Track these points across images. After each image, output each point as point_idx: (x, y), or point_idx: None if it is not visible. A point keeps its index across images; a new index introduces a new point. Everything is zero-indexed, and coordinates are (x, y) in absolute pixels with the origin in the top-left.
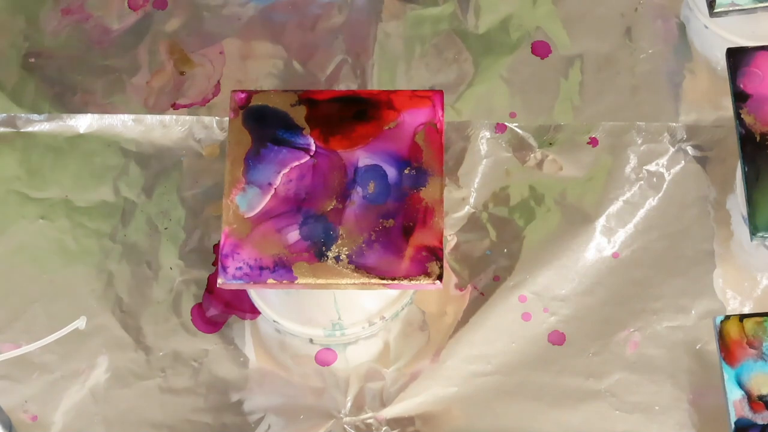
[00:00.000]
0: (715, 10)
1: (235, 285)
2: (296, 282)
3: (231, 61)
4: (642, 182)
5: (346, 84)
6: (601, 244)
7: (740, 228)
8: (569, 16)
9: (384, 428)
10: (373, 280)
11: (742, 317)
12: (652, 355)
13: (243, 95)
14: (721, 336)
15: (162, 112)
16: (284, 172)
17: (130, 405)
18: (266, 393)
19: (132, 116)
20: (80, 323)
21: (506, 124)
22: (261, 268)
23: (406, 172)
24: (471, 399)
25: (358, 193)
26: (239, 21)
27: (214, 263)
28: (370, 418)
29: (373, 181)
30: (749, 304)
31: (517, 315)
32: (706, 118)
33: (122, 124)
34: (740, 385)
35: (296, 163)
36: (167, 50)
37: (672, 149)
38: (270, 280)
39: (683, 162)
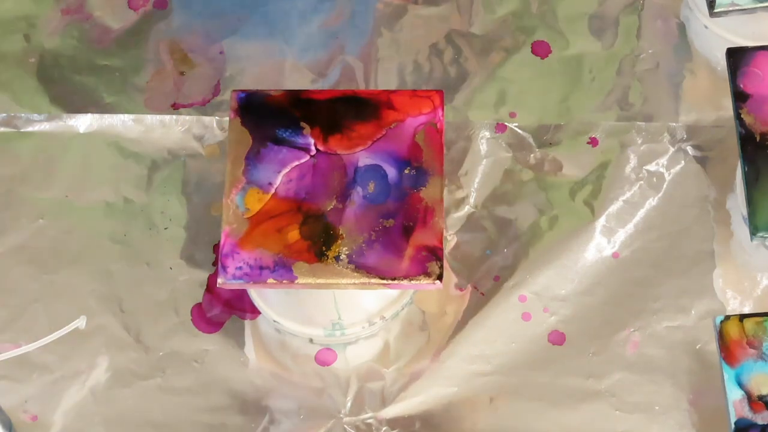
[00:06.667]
0: (715, 10)
1: (235, 285)
2: (296, 282)
3: (231, 61)
4: (642, 182)
5: (346, 84)
6: (601, 244)
7: (740, 228)
8: (569, 16)
9: (384, 428)
10: (373, 280)
11: (742, 317)
12: (652, 355)
13: (243, 95)
14: (721, 336)
15: (162, 112)
16: (284, 172)
17: (130, 405)
18: (266, 393)
19: (132, 116)
20: (80, 323)
21: (506, 124)
22: (261, 268)
23: (406, 172)
24: (471, 399)
25: (358, 193)
26: (239, 21)
27: (214, 263)
28: (370, 418)
29: (373, 181)
30: (749, 304)
31: (517, 315)
32: (706, 118)
33: (122, 124)
34: (740, 385)
35: (296, 163)
36: (167, 50)
37: (672, 149)
38: (270, 280)
39: (683, 162)
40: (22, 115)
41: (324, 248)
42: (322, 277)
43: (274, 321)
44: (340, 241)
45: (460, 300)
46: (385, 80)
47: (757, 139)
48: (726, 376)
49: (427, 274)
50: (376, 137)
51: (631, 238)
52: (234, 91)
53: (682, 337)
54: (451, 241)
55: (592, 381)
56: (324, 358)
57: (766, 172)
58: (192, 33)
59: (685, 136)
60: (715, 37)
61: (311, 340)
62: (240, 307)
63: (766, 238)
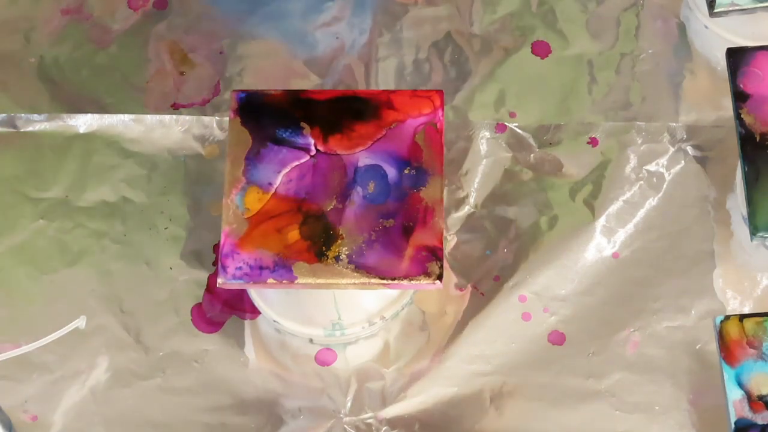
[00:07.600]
0: (715, 10)
1: (235, 285)
2: (296, 282)
3: (231, 61)
4: (642, 182)
5: (346, 84)
6: (601, 244)
7: (740, 228)
8: (569, 16)
9: (384, 428)
10: (373, 280)
11: (742, 317)
12: (652, 355)
13: (243, 95)
14: (721, 336)
15: (162, 112)
16: (284, 172)
17: (130, 405)
18: (266, 393)
19: (132, 116)
20: (80, 323)
21: (506, 124)
22: (261, 268)
23: (406, 172)
24: (471, 399)
25: (358, 193)
26: (239, 21)
27: (214, 263)
28: (370, 418)
29: (373, 181)
30: (749, 304)
31: (517, 315)
32: (706, 118)
33: (122, 124)
34: (740, 385)
35: (296, 163)
36: (167, 50)
37: (672, 149)
38: (270, 280)
39: (683, 162)
40: (22, 115)
41: (324, 248)
42: (322, 277)
43: (274, 321)
44: (340, 241)
45: (460, 300)
46: (385, 80)
47: (757, 139)
48: (726, 376)
49: (427, 274)
50: (376, 137)
51: (631, 238)
52: (234, 91)
53: (682, 337)
54: (451, 241)
55: (592, 381)
56: (324, 358)
57: (766, 172)
58: (192, 33)
59: (685, 136)
60: (715, 37)
61: (311, 340)
62: (240, 307)
63: (766, 238)
